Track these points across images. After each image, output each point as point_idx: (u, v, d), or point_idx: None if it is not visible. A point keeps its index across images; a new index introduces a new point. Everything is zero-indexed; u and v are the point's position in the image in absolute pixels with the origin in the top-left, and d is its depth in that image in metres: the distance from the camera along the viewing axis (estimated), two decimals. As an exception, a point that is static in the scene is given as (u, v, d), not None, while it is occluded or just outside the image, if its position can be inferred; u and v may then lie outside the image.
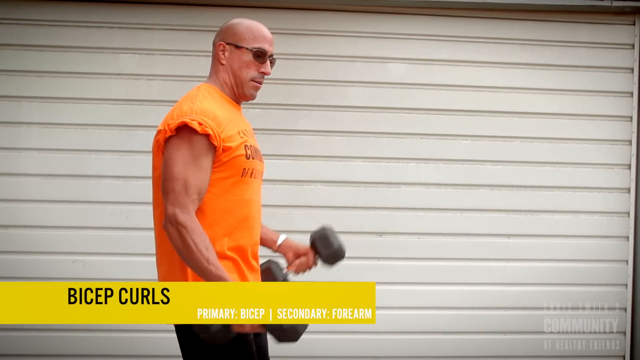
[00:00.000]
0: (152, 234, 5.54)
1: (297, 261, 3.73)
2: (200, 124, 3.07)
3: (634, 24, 6.08)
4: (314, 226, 5.74)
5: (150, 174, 5.54)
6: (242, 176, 3.25)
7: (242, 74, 3.38)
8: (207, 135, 3.09)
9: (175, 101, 5.50)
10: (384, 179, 5.92)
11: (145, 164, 5.61)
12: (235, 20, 3.50)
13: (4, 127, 5.71)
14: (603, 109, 6.09)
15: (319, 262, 3.75)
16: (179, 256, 3.10)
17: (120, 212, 5.74)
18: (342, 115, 5.90)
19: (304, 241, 5.64)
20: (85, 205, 5.74)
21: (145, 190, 5.60)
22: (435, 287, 5.96)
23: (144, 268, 5.68)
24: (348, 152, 5.89)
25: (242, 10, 5.76)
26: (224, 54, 3.40)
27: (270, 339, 3.27)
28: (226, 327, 3.04)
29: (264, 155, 3.52)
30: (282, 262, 3.73)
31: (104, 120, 5.74)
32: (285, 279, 3.59)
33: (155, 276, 5.50)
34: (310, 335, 5.74)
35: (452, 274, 5.96)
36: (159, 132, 3.20)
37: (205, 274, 3.03)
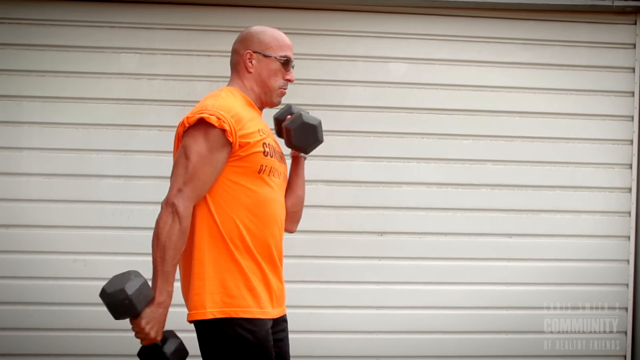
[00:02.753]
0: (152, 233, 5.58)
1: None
2: (218, 118, 3.14)
3: (635, 24, 6.08)
4: (316, 226, 5.80)
5: (152, 173, 5.63)
6: (259, 172, 3.29)
7: (270, 82, 3.46)
8: (224, 131, 3.14)
9: (177, 101, 5.62)
10: (385, 178, 5.92)
11: (146, 164, 5.70)
12: (259, 29, 3.52)
13: (5, 127, 5.70)
14: (604, 109, 6.09)
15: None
16: (154, 236, 3.16)
17: (122, 212, 5.74)
18: (343, 115, 5.90)
19: (302, 242, 5.69)
20: (87, 205, 5.73)
21: (147, 189, 5.70)
22: (436, 287, 5.96)
23: (145, 268, 5.65)
24: (349, 151, 5.90)
25: (244, 10, 5.81)
26: (251, 62, 3.44)
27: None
28: (133, 306, 3.07)
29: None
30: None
31: (105, 119, 5.74)
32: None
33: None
34: (310, 335, 5.80)
35: (453, 274, 5.96)
36: (180, 124, 3.25)
37: (164, 271, 3.11)
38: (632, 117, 6.07)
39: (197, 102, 3.44)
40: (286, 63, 3.47)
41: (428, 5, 5.91)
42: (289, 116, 3.68)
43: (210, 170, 3.16)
